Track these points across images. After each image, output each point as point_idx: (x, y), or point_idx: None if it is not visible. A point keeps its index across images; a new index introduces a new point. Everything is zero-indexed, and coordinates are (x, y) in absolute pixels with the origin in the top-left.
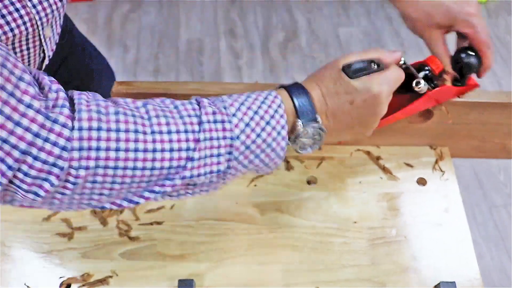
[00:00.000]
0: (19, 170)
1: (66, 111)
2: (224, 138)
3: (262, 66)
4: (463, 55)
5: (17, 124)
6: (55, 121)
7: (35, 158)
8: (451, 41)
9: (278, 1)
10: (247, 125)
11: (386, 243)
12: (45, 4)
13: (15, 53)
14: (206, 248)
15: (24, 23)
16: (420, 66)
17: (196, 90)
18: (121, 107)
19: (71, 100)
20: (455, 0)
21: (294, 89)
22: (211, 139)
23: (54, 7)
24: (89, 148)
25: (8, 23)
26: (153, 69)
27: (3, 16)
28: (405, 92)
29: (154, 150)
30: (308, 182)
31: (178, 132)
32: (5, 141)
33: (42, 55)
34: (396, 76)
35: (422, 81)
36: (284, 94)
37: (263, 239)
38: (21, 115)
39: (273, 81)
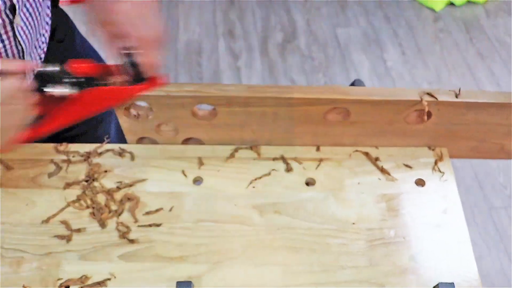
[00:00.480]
0: None
1: None
2: None
3: (260, 67)
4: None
5: None
6: None
7: None
8: None
9: (277, 2)
10: None
11: (385, 244)
12: None
13: None
14: (204, 250)
15: None
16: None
17: (194, 91)
18: None
19: None
20: None
21: None
22: None
23: None
24: None
25: None
26: None
27: None
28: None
29: None
30: (307, 184)
31: None
32: None
33: (20, 47)
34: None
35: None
36: None
37: (262, 241)
38: None
39: (272, 82)
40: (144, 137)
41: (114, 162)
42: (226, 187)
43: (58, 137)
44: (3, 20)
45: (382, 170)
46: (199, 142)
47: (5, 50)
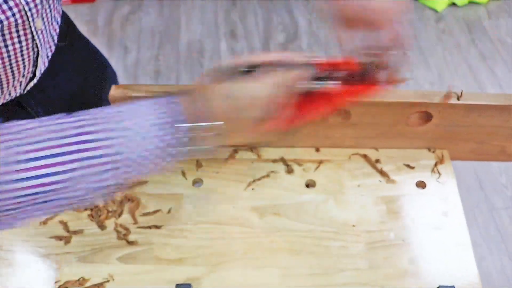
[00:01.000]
0: None
1: None
2: None
3: None
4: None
5: None
6: None
7: None
8: None
9: (279, 3)
10: None
11: (385, 246)
12: None
13: (7, 46)
14: (203, 252)
15: (13, 14)
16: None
17: None
18: None
19: None
20: None
21: None
22: None
23: None
24: None
25: None
26: (153, 70)
27: None
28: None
29: None
30: (307, 186)
31: None
32: None
33: (36, 49)
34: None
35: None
36: None
37: (261, 243)
38: None
39: None
40: None
41: None
42: (226, 188)
43: None
44: (23, 22)
45: (382, 173)
46: None
47: (22, 52)
